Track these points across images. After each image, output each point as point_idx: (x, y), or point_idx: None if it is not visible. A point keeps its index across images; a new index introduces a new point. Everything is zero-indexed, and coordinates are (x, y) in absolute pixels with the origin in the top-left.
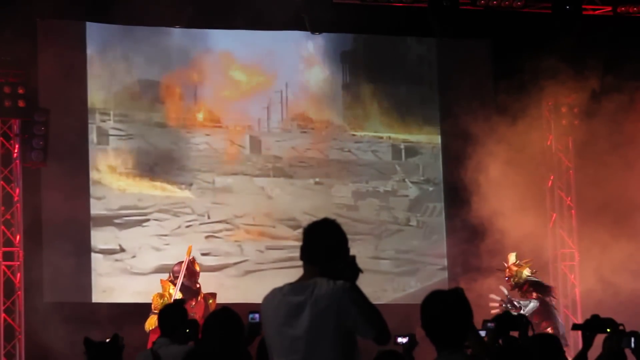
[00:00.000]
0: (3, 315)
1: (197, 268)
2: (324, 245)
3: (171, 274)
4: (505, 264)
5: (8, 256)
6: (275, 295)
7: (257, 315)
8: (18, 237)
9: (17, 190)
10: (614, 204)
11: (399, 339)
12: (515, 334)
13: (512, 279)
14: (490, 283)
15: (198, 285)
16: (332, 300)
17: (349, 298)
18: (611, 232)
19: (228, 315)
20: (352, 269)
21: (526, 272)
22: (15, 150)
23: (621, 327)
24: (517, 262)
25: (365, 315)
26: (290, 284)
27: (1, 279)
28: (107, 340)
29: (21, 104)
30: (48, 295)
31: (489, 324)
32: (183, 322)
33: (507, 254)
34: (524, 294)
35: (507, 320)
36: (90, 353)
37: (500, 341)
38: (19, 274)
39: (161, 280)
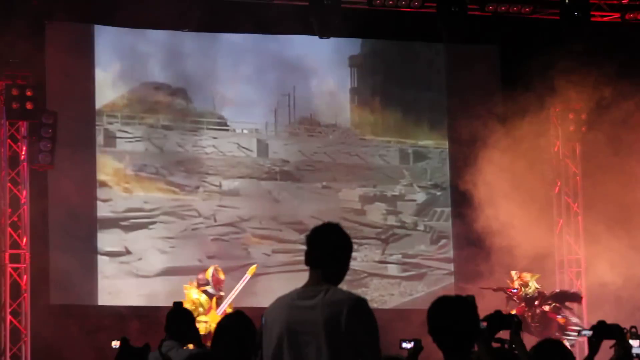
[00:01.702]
0: (9, 317)
1: (222, 276)
2: (327, 249)
3: (196, 281)
4: (514, 277)
5: (15, 258)
6: (285, 300)
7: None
8: (25, 240)
9: (24, 193)
10: (621, 210)
11: (404, 344)
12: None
13: (522, 288)
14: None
15: (222, 294)
16: (343, 307)
17: (359, 315)
18: (618, 238)
19: (242, 319)
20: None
21: (535, 284)
22: (23, 153)
23: (633, 329)
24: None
25: (368, 344)
26: (297, 290)
27: (8, 281)
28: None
29: (29, 106)
30: (54, 298)
31: (481, 324)
32: (191, 325)
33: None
34: (536, 307)
35: (498, 319)
36: (121, 353)
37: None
38: (25, 276)
39: (184, 287)
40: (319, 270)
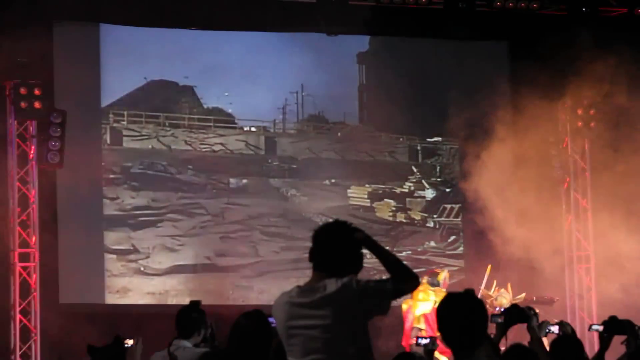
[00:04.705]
0: (19, 316)
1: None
2: (332, 249)
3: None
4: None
5: (24, 257)
6: (284, 298)
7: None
8: (34, 238)
9: (33, 192)
10: (631, 206)
11: (420, 340)
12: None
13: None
14: (507, 285)
15: None
16: (343, 298)
17: (357, 287)
18: (628, 234)
19: (258, 318)
20: (355, 260)
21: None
22: (31, 152)
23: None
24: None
25: (379, 281)
26: (299, 287)
27: (17, 280)
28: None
29: (37, 105)
30: (64, 296)
31: (497, 318)
32: (202, 324)
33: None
34: None
35: (515, 312)
36: (95, 359)
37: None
38: (34, 275)
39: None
40: (321, 272)
